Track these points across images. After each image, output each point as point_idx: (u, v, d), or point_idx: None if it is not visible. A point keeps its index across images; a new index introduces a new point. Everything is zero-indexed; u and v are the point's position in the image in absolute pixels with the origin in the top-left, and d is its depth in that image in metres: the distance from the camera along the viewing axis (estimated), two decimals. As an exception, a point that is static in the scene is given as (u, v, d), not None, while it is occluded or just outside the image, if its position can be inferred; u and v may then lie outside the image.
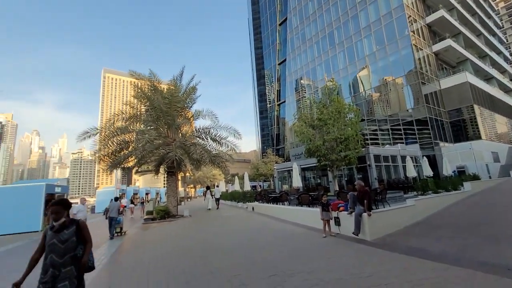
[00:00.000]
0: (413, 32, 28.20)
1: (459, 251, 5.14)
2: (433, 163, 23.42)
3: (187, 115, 15.67)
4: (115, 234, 10.37)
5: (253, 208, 15.48)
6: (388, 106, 30.31)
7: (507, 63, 48.07)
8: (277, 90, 58.46)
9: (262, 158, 50.49)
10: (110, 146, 12.33)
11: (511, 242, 5.51)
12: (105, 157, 12.52)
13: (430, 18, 30.66)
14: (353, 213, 6.56)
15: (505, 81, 43.28)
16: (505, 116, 36.05)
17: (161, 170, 17.66)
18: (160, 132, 13.76)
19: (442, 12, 29.61)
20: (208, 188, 22.77)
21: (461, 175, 19.16)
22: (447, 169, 19.45)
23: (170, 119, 13.71)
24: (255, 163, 48.99)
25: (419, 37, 29.05)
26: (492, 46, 42.76)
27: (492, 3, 51.47)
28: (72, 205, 9.69)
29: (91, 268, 2.87)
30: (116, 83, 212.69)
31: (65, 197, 17.56)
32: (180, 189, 47.08)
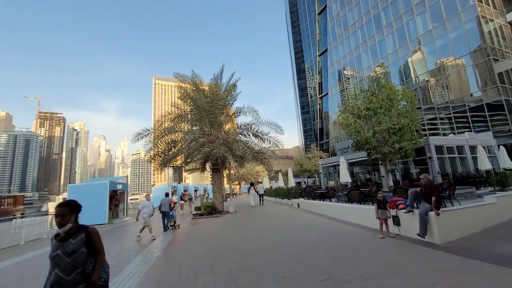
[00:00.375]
0: (480, 1, 24.08)
1: None
2: (512, 153, 19.78)
3: (228, 113, 15.88)
4: (169, 227, 11.07)
5: (298, 205, 15.01)
6: (448, 90, 26.55)
7: None
8: (319, 82, 56.19)
9: (306, 153, 49.15)
10: (160, 145, 13.18)
11: None
12: (156, 156, 13.44)
13: (502, -19, 25.85)
14: (417, 211, 5.69)
15: None
16: None
17: (207, 167, 18.30)
18: (204, 130, 14.21)
19: (519, -28, 24.71)
20: (252, 184, 22.96)
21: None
22: (533, 160, 16.14)
23: (212, 117, 14.04)
24: (298, 159, 47.96)
25: (488, 6, 24.69)
26: None
27: None
28: (139, 200, 10.65)
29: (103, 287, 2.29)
30: (165, 89, 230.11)
31: (125, 194, 19.49)
32: (226, 186, 48.67)
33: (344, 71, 43.79)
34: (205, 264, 5.31)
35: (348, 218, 9.01)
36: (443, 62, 26.87)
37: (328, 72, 48.94)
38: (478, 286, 3.26)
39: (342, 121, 16.46)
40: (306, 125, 69.85)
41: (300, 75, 70.26)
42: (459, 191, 9.76)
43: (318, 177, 43.08)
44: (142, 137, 12.80)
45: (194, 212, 15.15)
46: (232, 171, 48.90)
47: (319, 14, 54.78)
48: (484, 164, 14.66)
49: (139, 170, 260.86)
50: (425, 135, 22.68)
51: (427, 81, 28.78)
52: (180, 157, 14.25)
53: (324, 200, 14.11)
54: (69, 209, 2.27)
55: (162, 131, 12.98)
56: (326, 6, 48.89)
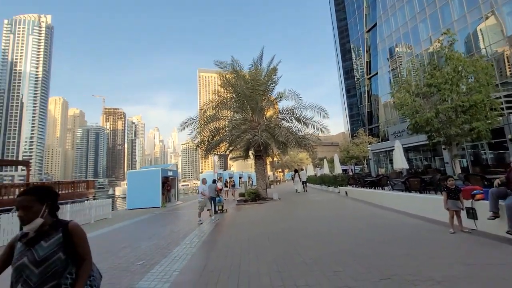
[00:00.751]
0: None
1: None
2: None
3: (269, 98, 15.46)
4: (218, 211, 11.60)
5: (346, 193, 14.10)
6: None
7: None
8: (367, 62, 51.56)
9: (352, 139, 46.22)
10: (204, 133, 13.54)
11: None
12: (201, 143, 13.87)
13: None
14: (504, 203, 4.60)
15: None
16: None
17: (250, 154, 18.37)
18: (245, 117, 14.12)
19: None
20: (296, 171, 22.54)
21: None
22: None
23: (253, 103, 13.80)
24: (344, 145, 45.42)
25: None
26: None
27: None
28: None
29: None
30: (208, 80, 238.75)
31: (175, 180, 20.85)
32: (269, 173, 48.93)
33: (397, 48, 39.21)
34: (249, 251, 5.16)
35: (406, 208, 8.00)
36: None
37: (378, 50, 44.43)
38: None
39: (397, 101, 14.69)
40: (352, 110, 65.50)
41: (345, 56, 65.41)
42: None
43: (366, 164, 40.27)
44: (187, 126, 13.30)
45: (239, 198, 15.41)
46: (275, 159, 48.85)
47: (366, -16, 49.58)
48: None
49: (188, 159, 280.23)
50: (502, 114, 19.11)
51: (504, 50, 23.93)
52: (223, 144, 14.47)
53: (375, 188, 12.96)
54: (35, 199, 1.56)
55: (205, 119, 13.27)
56: (374, -26, 43.91)
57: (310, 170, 34.72)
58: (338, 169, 19.26)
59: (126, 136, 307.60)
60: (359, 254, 4.35)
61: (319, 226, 7.08)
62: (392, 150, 18.81)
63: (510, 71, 23.44)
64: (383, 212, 8.30)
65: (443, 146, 14.13)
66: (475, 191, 5.50)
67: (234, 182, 27.96)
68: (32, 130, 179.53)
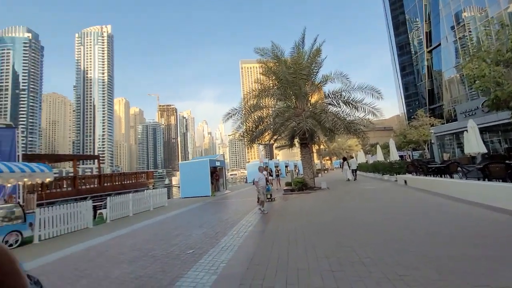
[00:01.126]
0: None
1: None
2: None
3: (314, 82, 14.55)
4: (266, 200, 11.46)
5: (405, 182, 12.66)
6: None
7: None
8: (426, 32, 45.09)
9: (410, 122, 41.45)
10: (248, 123, 13.49)
11: None
12: (245, 133, 13.89)
13: None
14: None
15: None
16: None
17: (295, 143, 17.83)
18: (289, 104, 13.59)
19: None
20: (345, 159, 21.26)
21: None
22: None
23: (296, 89, 13.15)
24: (400, 129, 41.11)
25: None
26: None
27: None
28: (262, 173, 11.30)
29: None
30: (250, 71, 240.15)
31: (223, 170, 21.60)
32: (316, 161, 47.47)
33: (464, 13, 33.29)
34: (297, 245, 4.87)
35: (486, 200, 6.69)
36: None
37: (440, 17, 38.44)
38: None
39: (469, 73, 12.38)
40: (408, 89, 58.68)
41: (398, 30, 58.29)
42: None
43: (428, 149, 35.84)
44: (231, 116, 13.39)
45: (285, 188, 15.15)
46: (321, 146, 47.03)
47: None
48: None
49: (235, 149, 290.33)
50: None
51: None
52: (267, 133, 14.25)
53: (441, 177, 11.30)
54: None
55: (248, 109, 13.18)
56: None
57: (360, 157, 32.45)
58: (395, 156, 17.42)
59: (178, 130, 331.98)
60: (429, 255, 3.68)
61: (376, 219, 6.38)
62: (461, 132, 16.19)
63: None
64: (454, 204, 7.11)
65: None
66: None
67: (280, 171, 27.77)
68: (103, 128, 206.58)
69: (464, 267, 3.16)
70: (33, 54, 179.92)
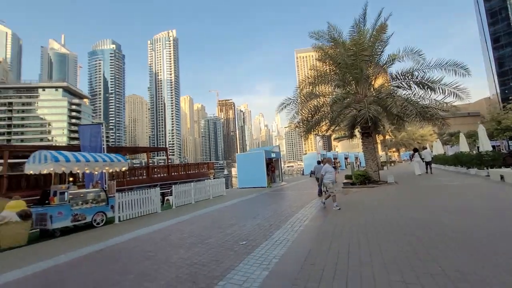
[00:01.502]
0: None
1: None
2: None
3: (378, 64, 12.90)
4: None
5: (501, 177, 10.26)
6: None
7: None
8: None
9: (505, 104, 33.67)
10: (303, 112, 12.86)
11: None
12: (300, 123, 13.31)
13: None
14: None
15: None
16: None
17: (356, 133, 16.38)
18: (348, 90, 12.39)
19: None
20: (416, 150, 18.64)
21: None
22: None
23: (357, 72, 11.85)
24: (492, 114, 33.93)
25: None
26: None
27: None
28: (322, 165, 10.97)
29: None
30: (306, 60, 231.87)
31: (279, 162, 21.47)
32: (380, 153, 43.35)
33: None
34: (360, 246, 4.31)
35: None
36: None
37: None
38: None
39: None
40: (503, 65, 47.77)
41: (491, -9, 47.62)
42: None
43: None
44: (285, 106, 12.96)
45: (345, 181, 14.10)
46: (387, 136, 42.55)
47: None
48: None
49: (292, 141, 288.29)
50: None
51: None
52: (324, 123, 13.36)
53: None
54: None
55: (303, 97, 12.51)
56: None
57: (437, 148, 28.03)
58: (486, 145, 14.29)
59: (236, 123, 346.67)
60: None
61: (463, 222, 5.23)
62: None
63: None
64: None
65: None
66: None
67: (339, 163, 26.12)
68: (172, 124, 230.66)
69: None
70: (117, 62, 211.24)
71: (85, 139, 11.11)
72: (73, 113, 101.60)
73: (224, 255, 4.35)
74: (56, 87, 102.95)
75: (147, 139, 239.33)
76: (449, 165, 19.24)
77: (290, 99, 12.89)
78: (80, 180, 11.53)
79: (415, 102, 11.50)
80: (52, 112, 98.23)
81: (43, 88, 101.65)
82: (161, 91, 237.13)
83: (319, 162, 12.49)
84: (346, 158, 39.54)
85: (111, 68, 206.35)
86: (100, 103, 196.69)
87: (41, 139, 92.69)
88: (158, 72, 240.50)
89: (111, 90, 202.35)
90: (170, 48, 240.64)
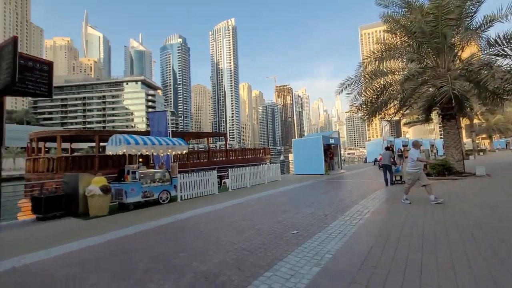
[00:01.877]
0: None
1: None
2: None
3: (468, 28, 10.37)
4: (395, 182, 10.43)
5: None
6: None
7: None
8: None
9: None
10: (366, 93, 11.41)
11: None
12: (362, 106, 11.90)
13: None
14: None
15: None
16: None
17: (432, 116, 13.95)
18: (425, 63, 10.38)
19: None
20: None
21: None
22: None
23: (438, 41, 9.75)
24: None
25: None
26: None
27: None
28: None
29: None
30: (372, 36, 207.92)
31: (338, 148, 20.10)
32: (466, 140, 36.66)
33: None
34: (437, 250, 3.54)
35: None
36: None
37: None
38: None
39: None
40: None
41: None
42: None
43: None
44: (346, 87, 11.67)
45: (417, 171, 12.28)
46: (475, 121, 35.51)
47: None
48: None
49: (353, 126, 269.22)
50: None
51: None
52: (392, 105, 11.68)
53: None
54: None
55: (367, 76, 11.03)
56: None
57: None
58: None
59: (294, 108, 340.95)
60: None
61: None
62: None
63: None
64: None
65: None
66: None
67: (401, 151, 22.98)
68: (232, 111, 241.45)
69: None
70: (183, 55, 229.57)
71: (153, 124, 12.31)
72: (149, 103, 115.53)
73: (273, 243, 4.16)
74: (136, 81, 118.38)
75: (210, 125, 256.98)
76: None
77: (352, 78, 11.56)
78: (152, 162, 12.97)
79: (523, 74, 8.90)
80: (134, 102, 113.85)
81: (127, 82, 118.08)
82: (222, 79, 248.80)
83: (387, 148, 11.24)
84: (419, 145, 34.60)
85: (178, 60, 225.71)
86: (170, 93, 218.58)
87: (127, 126, 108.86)
88: (218, 62, 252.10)
89: (179, 81, 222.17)
90: (229, 37, 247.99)
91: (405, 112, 14.37)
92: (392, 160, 10.52)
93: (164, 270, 3.34)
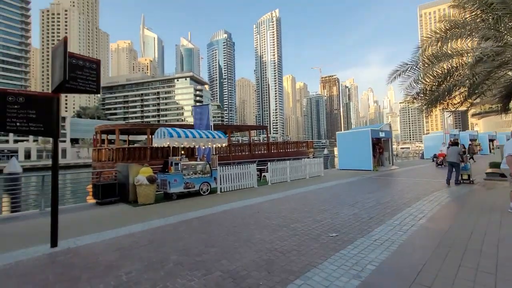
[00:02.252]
0: None
1: None
2: None
3: None
4: (461, 181, 9.50)
5: None
6: None
7: None
8: None
9: None
10: (425, 80, 9.88)
11: None
12: (419, 95, 10.38)
13: None
14: None
15: None
16: None
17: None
18: (504, 41, 8.47)
19: None
20: None
21: None
22: None
23: (526, 12, 7.85)
24: None
25: None
26: None
27: None
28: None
29: None
30: (432, 16, 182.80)
31: (389, 142, 18.29)
32: (559, 133, 30.13)
33: None
34: (514, 273, 2.82)
35: None
36: None
37: None
38: None
39: None
40: None
41: None
42: None
43: None
44: (399, 74, 10.28)
45: (488, 171, 10.42)
46: None
47: None
48: None
49: (408, 118, 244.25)
50: None
51: None
52: (457, 92, 9.96)
53: None
54: None
55: (426, 60, 9.50)
56: None
57: None
58: None
59: (340, 100, 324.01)
60: None
61: None
62: None
63: None
64: None
65: None
66: None
67: (480, 147, 19.88)
68: (275, 104, 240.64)
69: None
70: (229, 50, 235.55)
71: (197, 118, 12.77)
72: (197, 98, 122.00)
73: (308, 246, 3.85)
74: (185, 77, 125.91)
75: (254, 118, 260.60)
76: None
77: (407, 64, 10.10)
78: (196, 154, 13.55)
79: None
80: (183, 97, 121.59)
81: (177, 78, 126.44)
82: (265, 72, 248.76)
83: (455, 143, 10.02)
84: (491, 141, 29.67)
85: (224, 56, 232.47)
86: (216, 88, 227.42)
87: (177, 120, 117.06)
88: (262, 55, 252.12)
89: (224, 75, 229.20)
90: (273, 29, 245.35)
91: (474, 101, 12.19)
92: (460, 156, 9.41)
93: (194, 265, 3.32)
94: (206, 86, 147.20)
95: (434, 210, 5.86)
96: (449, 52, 9.20)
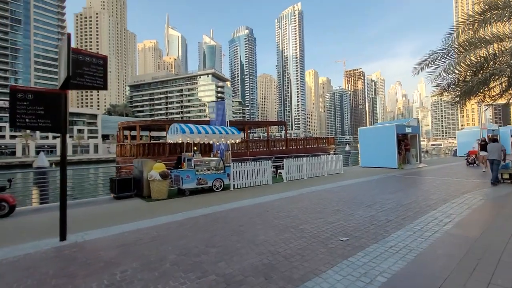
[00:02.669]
0: None
1: None
2: None
3: None
4: (502, 181, 8.88)
5: None
6: None
7: None
8: None
9: None
10: (458, 70, 8.90)
11: None
12: (451, 86, 9.40)
13: None
14: None
15: None
16: None
17: None
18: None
19: None
20: None
21: None
22: None
23: None
24: None
25: None
26: None
27: None
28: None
29: None
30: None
31: (416, 138, 17.04)
32: None
33: None
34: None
35: None
36: None
37: None
38: None
39: None
40: None
41: None
42: None
43: None
44: (428, 64, 9.34)
45: (533, 170, 9.27)
46: None
47: None
48: None
49: (441, 113, 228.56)
50: None
51: None
52: (496, 83, 8.89)
53: None
54: None
55: (459, 47, 8.51)
56: None
57: None
58: None
59: (366, 95, 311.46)
60: None
61: None
62: None
63: None
64: None
65: None
66: None
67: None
68: (297, 99, 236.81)
69: None
70: (250, 46, 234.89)
71: (212, 113, 12.75)
72: (219, 94, 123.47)
73: (314, 251, 3.56)
74: (207, 74, 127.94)
75: (275, 114, 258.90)
76: None
77: (436, 53, 9.19)
78: (213, 150, 13.59)
79: None
80: (206, 94, 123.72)
81: (200, 75, 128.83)
82: (287, 67, 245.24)
83: (495, 140, 9.20)
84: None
85: (245, 52, 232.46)
86: (238, 84, 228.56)
87: (200, 116, 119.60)
88: (284, 49, 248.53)
89: (246, 72, 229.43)
90: (295, 23, 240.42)
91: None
92: (502, 154, 8.82)
93: (190, 266, 3.19)
94: (228, 83, 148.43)
95: (463, 214, 5.25)
96: (487, 37, 8.20)
